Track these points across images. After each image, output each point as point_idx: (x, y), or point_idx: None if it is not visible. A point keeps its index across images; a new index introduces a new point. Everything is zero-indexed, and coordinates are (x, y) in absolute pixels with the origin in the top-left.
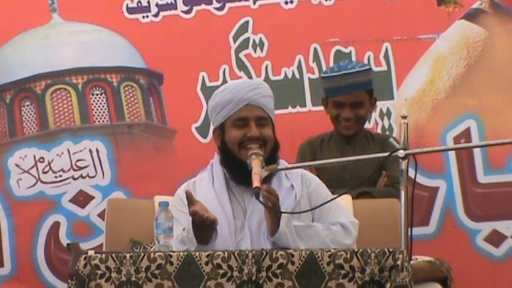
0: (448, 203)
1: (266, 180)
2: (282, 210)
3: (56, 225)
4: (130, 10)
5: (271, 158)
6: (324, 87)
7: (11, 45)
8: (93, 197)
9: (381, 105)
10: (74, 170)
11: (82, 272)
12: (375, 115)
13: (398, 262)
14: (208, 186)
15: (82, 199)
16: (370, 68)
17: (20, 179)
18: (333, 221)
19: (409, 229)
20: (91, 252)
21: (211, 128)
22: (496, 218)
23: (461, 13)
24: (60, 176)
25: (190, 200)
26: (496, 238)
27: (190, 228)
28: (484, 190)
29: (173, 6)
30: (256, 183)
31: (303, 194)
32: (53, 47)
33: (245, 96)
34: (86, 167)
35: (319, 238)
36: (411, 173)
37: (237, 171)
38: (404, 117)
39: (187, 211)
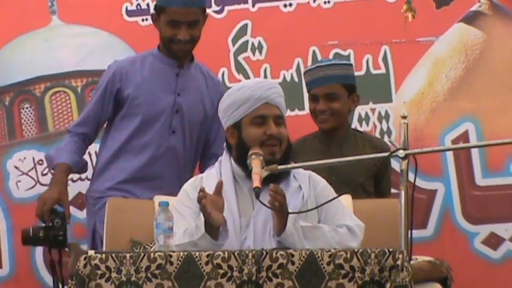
0: (446, 205)
1: (278, 179)
2: (289, 210)
3: None
4: (130, 13)
5: (285, 158)
6: (305, 83)
7: (10, 47)
8: None
9: (380, 108)
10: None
11: (82, 272)
12: (373, 118)
13: (398, 262)
14: (216, 183)
15: (81, 201)
16: (350, 64)
17: (19, 181)
18: (339, 224)
19: (409, 229)
20: (91, 252)
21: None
22: (494, 220)
23: (460, 15)
24: None
25: (204, 194)
26: (494, 241)
27: (202, 217)
28: (482, 193)
29: None
30: (256, 183)
31: (310, 195)
32: (52, 50)
33: (264, 94)
34: None
35: (325, 239)
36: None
37: None
38: (404, 117)
39: (193, 206)
